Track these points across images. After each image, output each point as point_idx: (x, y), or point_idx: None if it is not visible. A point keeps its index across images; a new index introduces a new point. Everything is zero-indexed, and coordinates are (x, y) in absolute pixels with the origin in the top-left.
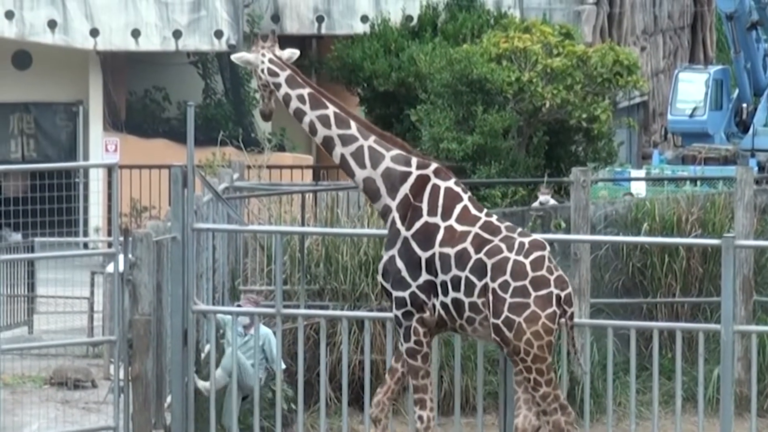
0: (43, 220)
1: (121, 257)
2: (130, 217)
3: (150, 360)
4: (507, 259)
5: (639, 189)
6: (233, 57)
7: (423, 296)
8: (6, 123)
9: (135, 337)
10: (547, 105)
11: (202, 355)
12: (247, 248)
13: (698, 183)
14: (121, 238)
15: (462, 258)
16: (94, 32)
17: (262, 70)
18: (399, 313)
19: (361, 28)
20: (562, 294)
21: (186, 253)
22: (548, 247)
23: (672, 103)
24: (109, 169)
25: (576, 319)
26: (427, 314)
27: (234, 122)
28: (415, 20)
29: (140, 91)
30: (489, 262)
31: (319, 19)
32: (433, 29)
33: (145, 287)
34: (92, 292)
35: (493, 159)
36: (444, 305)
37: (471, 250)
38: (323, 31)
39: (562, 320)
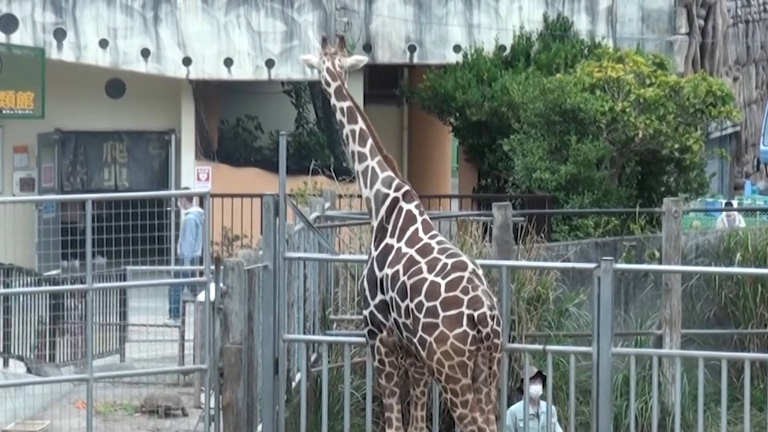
0: (135, 249)
1: (212, 286)
2: (222, 245)
3: (241, 389)
4: (424, 280)
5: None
6: (301, 57)
7: (380, 316)
8: (99, 151)
9: (226, 366)
10: (640, 135)
11: (293, 384)
12: (338, 277)
13: None
14: (213, 267)
15: (393, 279)
16: (187, 61)
17: (322, 77)
18: (365, 331)
19: (453, 58)
20: (476, 314)
21: (277, 281)
22: (471, 267)
23: (764, 133)
24: (201, 198)
25: (667, 350)
26: (385, 334)
27: (326, 151)
28: (508, 50)
29: (232, 120)
30: (408, 283)
31: (411, 49)
32: (526, 59)
33: (236, 316)
34: (183, 321)
35: (587, 189)
36: (392, 324)
37: (401, 271)
38: (415, 60)
39: (484, 341)
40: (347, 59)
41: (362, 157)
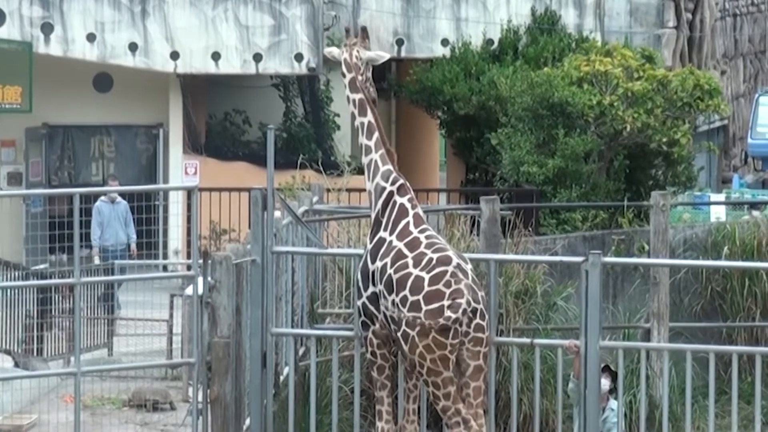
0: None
1: (200, 280)
2: (210, 239)
3: (229, 382)
4: (410, 274)
5: (719, 213)
6: (325, 50)
7: (372, 307)
8: (87, 146)
9: (214, 360)
10: (628, 129)
11: (281, 378)
12: (326, 271)
13: None
14: (201, 261)
15: (382, 272)
16: (175, 55)
17: (341, 68)
18: (359, 322)
19: (441, 52)
20: (452, 302)
21: (265, 275)
22: (455, 262)
23: (752, 127)
24: (189, 192)
25: (655, 343)
26: (377, 326)
27: (314, 145)
28: (496, 44)
29: (220, 114)
30: (395, 277)
31: (399, 42)
32: (514, 53)
33: (224, 310)
34: (171, 315)
35: (574, 182)
36: (382, 317)
37: (388, 265)
38: (403, 54)
39: (467, 334)
40: (367, 52)
41: (368, 150)
